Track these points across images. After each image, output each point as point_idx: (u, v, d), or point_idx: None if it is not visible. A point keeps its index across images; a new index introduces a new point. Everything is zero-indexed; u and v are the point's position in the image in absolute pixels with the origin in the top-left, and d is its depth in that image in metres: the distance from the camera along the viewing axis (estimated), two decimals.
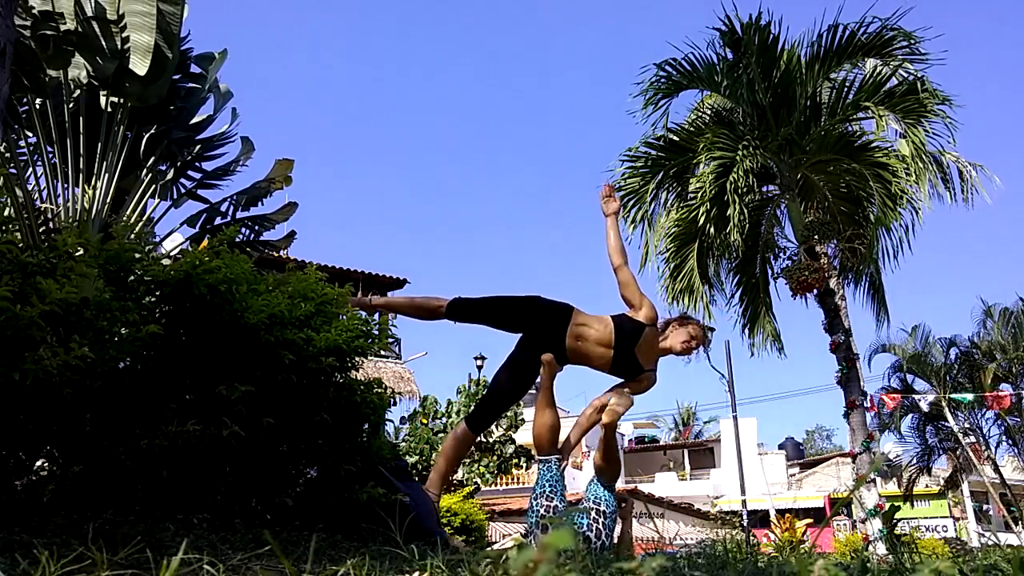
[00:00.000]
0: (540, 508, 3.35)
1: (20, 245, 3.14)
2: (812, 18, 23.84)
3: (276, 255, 11.08)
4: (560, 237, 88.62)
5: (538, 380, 3.75)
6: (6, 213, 3.34)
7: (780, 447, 36.46)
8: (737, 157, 9.66)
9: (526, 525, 3.51)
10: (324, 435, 3.74)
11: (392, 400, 4.69)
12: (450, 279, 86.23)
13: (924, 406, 17.09)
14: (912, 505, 23.54)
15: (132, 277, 3.41)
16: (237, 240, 8.64)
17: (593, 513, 3.34)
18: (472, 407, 16.94)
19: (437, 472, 4.05)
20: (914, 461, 20.65)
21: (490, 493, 19.20)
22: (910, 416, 20.11)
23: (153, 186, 8.36)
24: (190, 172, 9.12)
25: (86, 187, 7.62)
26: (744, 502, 18.37)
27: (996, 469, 20.36)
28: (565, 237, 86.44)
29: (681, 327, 3.74)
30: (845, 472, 28.79)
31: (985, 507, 26.29)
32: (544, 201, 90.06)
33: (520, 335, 3.84)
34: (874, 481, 10.37)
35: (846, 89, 9.91)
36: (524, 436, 17.73)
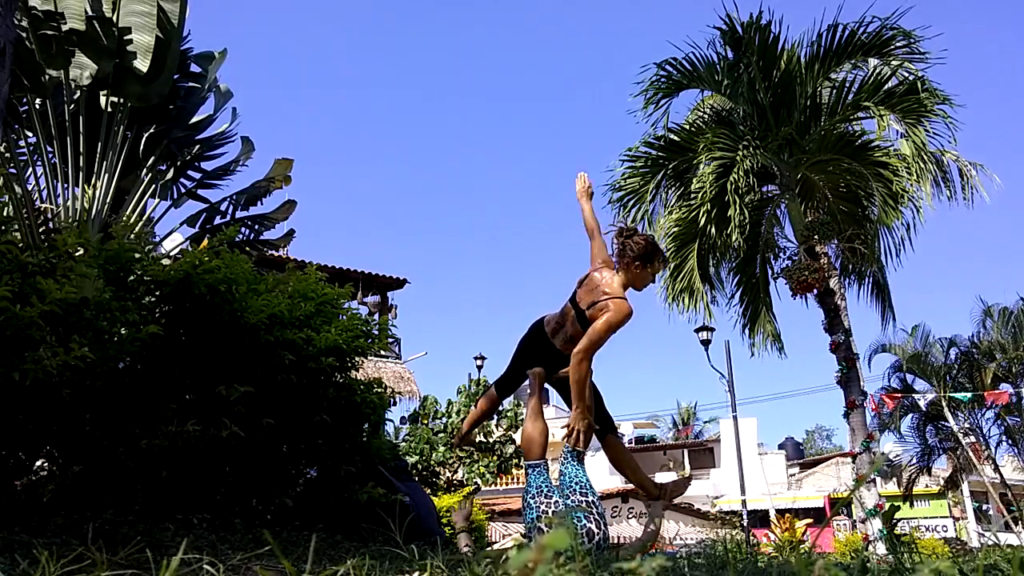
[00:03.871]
0: (540, 506, 3.33)
1: (20, 245, 3.14)
2: (812, 18, 23.83)
3: (276, 255, 11.07)
4: (560, 237, 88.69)
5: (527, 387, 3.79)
6: (6, 213, 3.34)
7: (780, 447, 36.43)
8: (737, 157, 9.66)
9: (525, 524, 3.49)
10: (324, 435, 3.74)
11: (392, 400, 4.70)
12: (450, 279, 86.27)
13: (923, 405, 17.09)
14: (912, 505, 23.53)
15: (132, 277, 3.41)
16: (236, 239, 8.64)
17: (584, 505, 3.31)
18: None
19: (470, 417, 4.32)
20: (914, 461, 20.65)
21: (490, 493, 19.18)
22: (910, 416, 20.11)
23: (153, 186, 8.36)
24: (190, 172, 9.12)
25: (86, 187, 7.62)
26: (744, 502, 18.35)
27: (996, 469, 20.35)
28: (565, 237, 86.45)
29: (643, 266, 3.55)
30: (845, 472, 28.77)
31: (985, 507, 26.28)
32: (545, 201, 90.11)
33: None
34: (874, 481, 10.36)
35: (846, 89, 9.90)
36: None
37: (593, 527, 3.22)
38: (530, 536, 3.38)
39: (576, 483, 3.38)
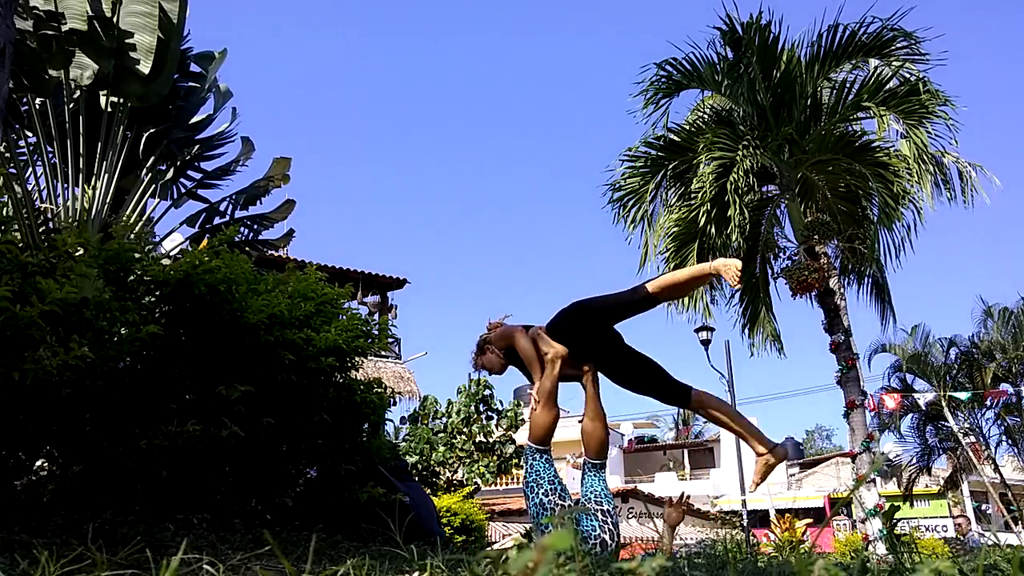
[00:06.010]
0: (550, 504, 3.31)
1: (20, 245, 3.14)
2: (812, 18, 23.83)
3: (276, 254, 11.07)
4: (561, 236, 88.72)
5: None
6: (6, 213, 3.34)
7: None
8: (737, 157, 9.66)
9: (532, 523, 3.47)
10: (324, 435, 3.74)
11: (392, 400, 4.69)
12: (450, 279, 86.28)
13: (923, 405, 17.08)
14: (912, 505, 23.52)
15: (132, 277, 3.41)
16: (236, 239, 8.64)
17: (600, 515, 3.31)
18: (473, 408, 16.57)
19: None
20: (914, 461, 20.64)
21: (490, 493, 19.18)
22: (910, 416, 20.09)
23: (153, 186, 8.36)
24: (190, 172, 9.12)
25: (86, 187, 7.62)
26: (744, 502, 18.37)
27: (996, 469, 20.34)
28: (566, 236, 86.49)
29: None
30: (845, 472, 28.77)
31: (985, 507, 26.28)
32: (545, 200, 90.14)
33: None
34: (874, 481, 10.37)
35: (846, 89, 9.90)
36: (524, 436, 17.66)
37: (607, 538, 3.23)
38: (536, 532, 3.37)
39: (591, 492, 3.41)
